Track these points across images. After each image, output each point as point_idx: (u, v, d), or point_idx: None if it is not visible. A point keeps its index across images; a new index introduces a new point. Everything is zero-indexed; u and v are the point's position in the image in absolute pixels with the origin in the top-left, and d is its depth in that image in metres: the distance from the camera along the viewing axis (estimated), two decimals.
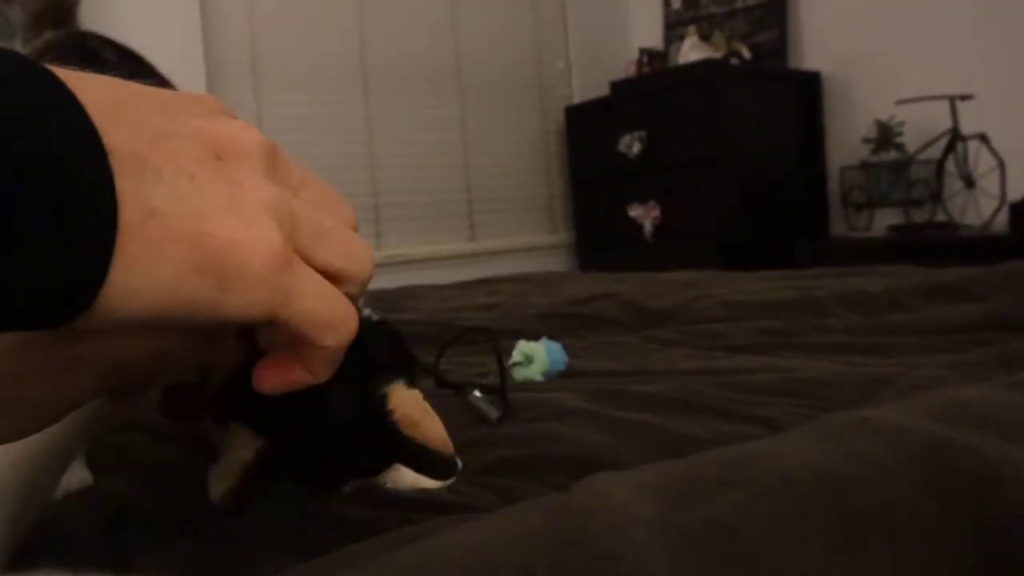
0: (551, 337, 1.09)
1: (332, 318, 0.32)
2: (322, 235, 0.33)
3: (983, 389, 0.44)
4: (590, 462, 0.71)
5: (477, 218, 3.88)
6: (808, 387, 0.87)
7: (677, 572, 0.29)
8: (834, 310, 1.22)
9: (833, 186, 3.56)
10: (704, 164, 3.41)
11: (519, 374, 1.03)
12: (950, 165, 3.14)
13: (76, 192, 0.26)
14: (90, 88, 0.27)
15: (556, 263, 3.93)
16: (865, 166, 3.31)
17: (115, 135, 0.27)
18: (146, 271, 0.28)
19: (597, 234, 3.89)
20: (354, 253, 0.34)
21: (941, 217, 3.18)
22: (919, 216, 3.26)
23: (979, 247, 2.80)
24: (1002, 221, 2.96)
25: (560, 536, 0.30)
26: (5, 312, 0.26)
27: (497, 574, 0.29)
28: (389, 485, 0.68)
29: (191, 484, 0.63)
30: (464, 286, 2.25)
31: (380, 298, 2.07)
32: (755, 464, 0.35)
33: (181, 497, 0.59)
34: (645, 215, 3.60)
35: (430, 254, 3.63)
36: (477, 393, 0.93)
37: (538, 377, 1.02)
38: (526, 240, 3.98)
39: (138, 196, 0.27)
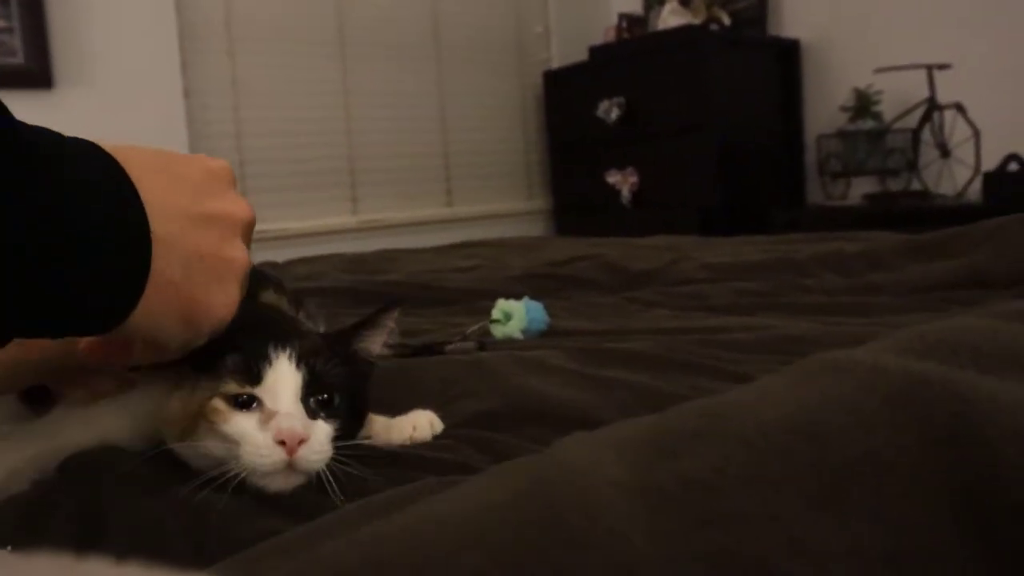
0: (532, 298, 1.08)
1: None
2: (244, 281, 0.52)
3: (957, 319, 0.43)
4: (572, 418, 0.71)
5: (454, 183, 3.85)
6: (790, 345, 0.87)
7: (654, 536, 0.28)
8: (813, 271, 1.23)
9: (810, 154, 3.57)
10: (682, 131, 3.40)
11: (498, 331, 1.03)
12: (926, 134, 3.15)
13: (131, 267, 0.42)
14: (152, 190, 0.43)
15: (533, 229, 3.92)
16: (842, 135, 3.32)
17: (160, 227, 0.43)
18: (153, 316, 0.44)
19: (574, 200, 3.88)
20: None
21: (916, 186, 3.20)
22: (894, 185, 3.27)
23: (953, 216, 2.82)
24: (976, 190, 2.98)
25: (528, 517, 0.29)
26: (72, 324, 0.42)
27: (461, 562, 0.28)
28: (367, 442, 0.67)
29: (163, 455, 0.62)
30: (441, 250, 2.24)
31: (357, 261, 2.05)
32: (731, 415, 0.34)
33: (155, 466, 0.58)
34: (623, 181, 3.59)
35: (407, 219, 3.60)
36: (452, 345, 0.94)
37: (518, 334, 1.01)
38: (503, 206, 3.95)
39: (164, 272, 0.44)
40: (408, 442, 0.66)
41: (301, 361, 0.56)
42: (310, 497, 0.55)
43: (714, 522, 0.28)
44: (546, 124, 4.01)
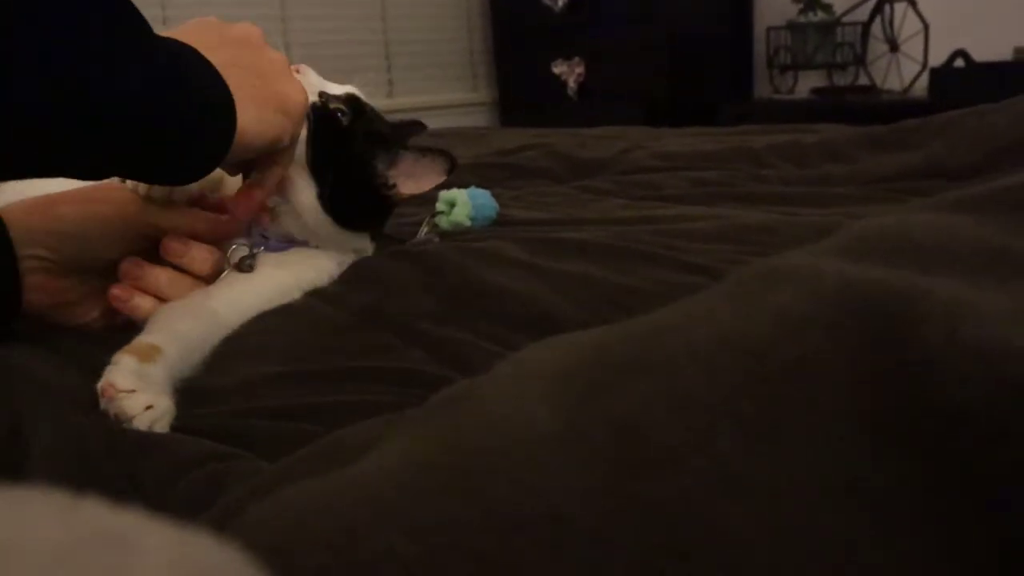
0: (479, 187, 1.03)
1: None
2: None
3: (899, 215, 0.40)
4: (528, 314, 0.68)
5: (395, 74, 3.72)
6: (748, 234, 0.85)
7: (584, 494, 0.25)
8: (770, 161, 1.20)
9: (759, 47, 3.52)
10: (630, 21, 3.31)
11: (444, 221, 0.98)
12: (876, 28, 3.12)
13: (219, 100, 0.54)
14: (190, 40, 0.53)
15: (477, 121, 3.82)
16: (792, 27, 3.27)
17: (213, 56, 0.54)
18: (256, 115, 0.56)
19: (519, 91, 3.79)
20: None
21: (864, 81, 3.19)
22: (842, 79, 3.25)
23: (899, 111, 2.82)
24: (922, 86, 2.98)
25: (446, 489, 0.27)
26: (195, 155, 0.54)
27: (378, 540, 0.26)
28: None
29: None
30: None
31: None
32: (662, 339, 0.31)
33: (78, 377, 0.53)
34: (569, 72, 3.50)
35: None
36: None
37: (466, 221, 0.96)
38: (446, 97, 3.84)
39: (243, 82, 0.55)
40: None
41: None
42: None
43: (643, 468, 0.26)
44: (490, 11, 3.87)
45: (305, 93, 0.64)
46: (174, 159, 0.53)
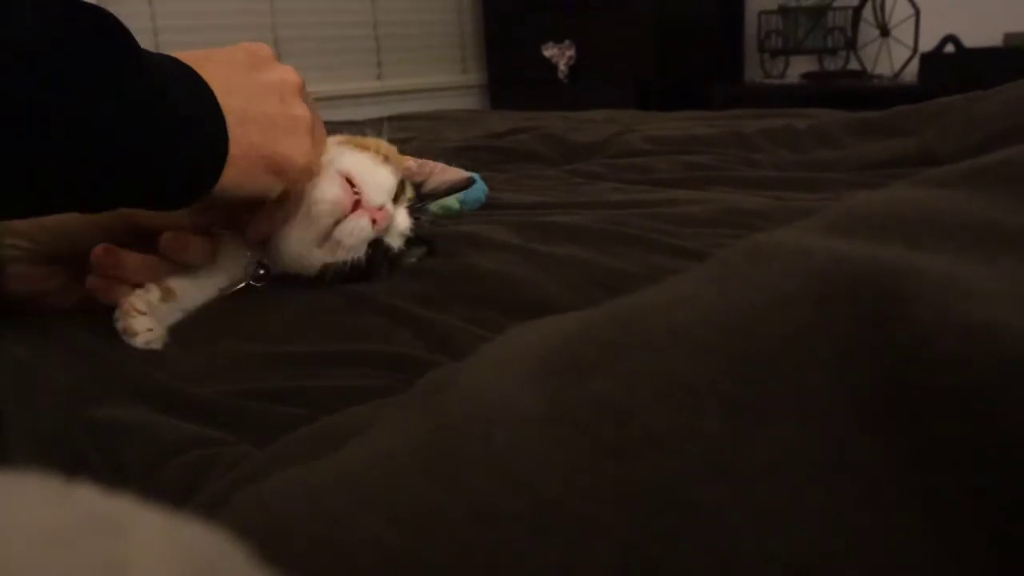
0: (469, 169, 1.02)
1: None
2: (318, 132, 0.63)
3: (888, 191, 0.40)
4: (518, 298, 0.67)
5: (385, 56, 3.69)
6: (740, 218, 0.84)
7: (568, 477, 0.25)
8: (762, 145, 1.19)
9: (750, 31, 3.51)
10: (622, 3, 3.29)
11: (432, 205, 0.97)
12: (867, 13, 3.11)
13: (210, 139, 0.52)
14: (213, 75, 0.52)
15: (467, 103, 3.80)
16: (784, 11, 3.26)
17: (230, 101, 0.53)
18: (244, 174, 0.54)
19: (510, 74, 3.76)
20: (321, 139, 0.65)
21: (854, 66, 3.18)
22: (832, 64, 3.25)
23: (889, 97, 2.82)
24: (912, 71, 2.97)
25: (430, 479, 0.26)
26: (170, 195, 0.52)
27: (362, 531, 0.25)
28: None
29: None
30: (374, 122, 2.14)
31: None
32: (645, 320, 0.30)
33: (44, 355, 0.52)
34: (559, 55, 3.48)
35: (335, 92, 3.45)
36: None
37: (456, 205, 0.96)
38: (436, 79, 3.81)
39: (243, 137, 0.54)
40: None
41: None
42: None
43: (626, 451, 0.25)
44: None
45: (309, 156, 0.61)
46: (147, 194, 0.51)
